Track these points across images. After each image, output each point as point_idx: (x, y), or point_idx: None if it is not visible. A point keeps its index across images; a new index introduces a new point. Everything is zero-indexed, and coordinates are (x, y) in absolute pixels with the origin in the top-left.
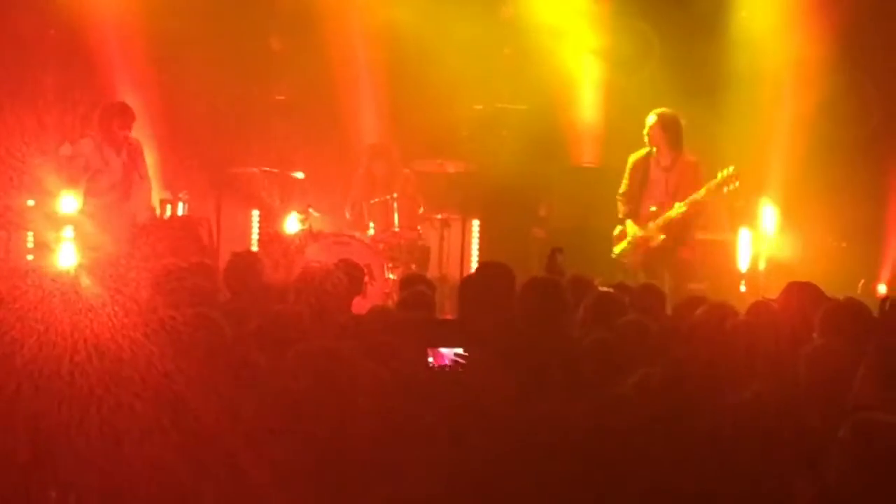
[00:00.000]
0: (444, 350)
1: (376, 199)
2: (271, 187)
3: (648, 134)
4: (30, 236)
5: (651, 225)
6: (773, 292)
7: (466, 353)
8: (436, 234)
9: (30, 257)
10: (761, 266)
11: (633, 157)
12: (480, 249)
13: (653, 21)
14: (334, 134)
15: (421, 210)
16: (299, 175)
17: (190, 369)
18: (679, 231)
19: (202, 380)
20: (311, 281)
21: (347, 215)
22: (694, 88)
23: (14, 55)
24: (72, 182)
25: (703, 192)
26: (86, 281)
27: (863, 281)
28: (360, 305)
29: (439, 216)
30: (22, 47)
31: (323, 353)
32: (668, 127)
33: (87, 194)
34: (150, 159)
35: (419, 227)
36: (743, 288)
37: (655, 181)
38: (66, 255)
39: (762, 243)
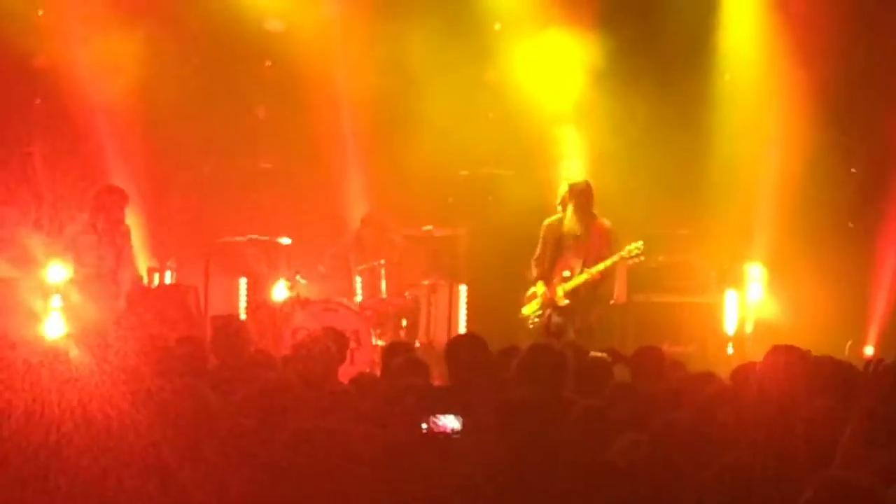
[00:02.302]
0: (439, 417)
1: (364, 266)
2: (258, 255)
3: (560, 203)
4: (18, 305)
5: (559, 289)
6: (760, 355)
7: (460, 423)
8: (423, 299)
9: (18, 327)
10: (748, 328)
11: (546, 222)
12: (468, 315)
13: (637, 85)
14: (321, 201)
15: (415, 275)
16: (286, 241)
17: (177, 439)
18: (583, 297)
19: (190, 450)
20: (299, 349)
21: (321, 269)
22: (678, 150)
23: (1, 124)
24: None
25: (609, 262)
26: (74, 351)
27: (850, 342)
28: (347, 372)
29: (426, 282)
30: (8, 116)
31: (314, 429)
32: (579, 195)
33: (77, 264)
34: (137, 228)
35: (407, 294)
36: (730, 350)
37: (567, 247)
38: (55, 325)
39: (749, 306)
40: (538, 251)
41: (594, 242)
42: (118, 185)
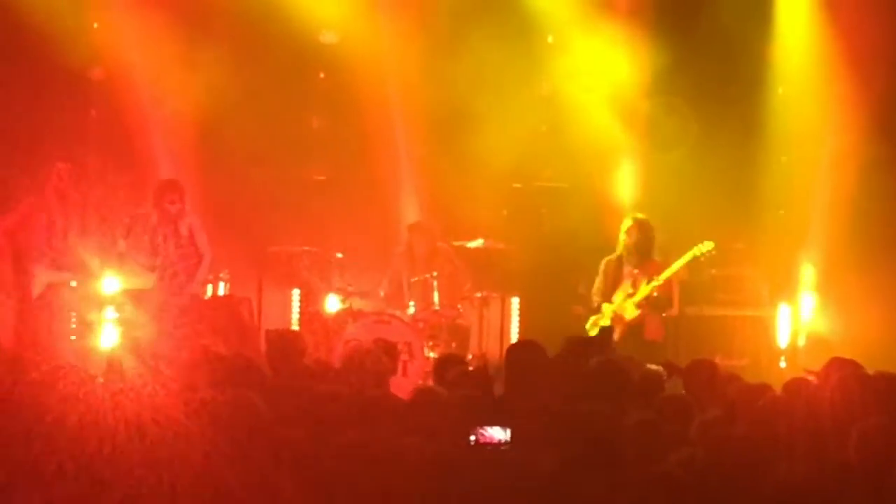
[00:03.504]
0: (488, 429)
1: (417, 278)
2: (311, 266)
3: (626, 234)
4: (73, 317)
5: (628, 301)
6: (814, 368)
7: (508, 434)
8: (475, 312)
9: (72, 338)
10: (801, 342)
11: (606, 259)
12: (520, 327)
13: (690, 98)
14: (373, 213)
15: (468, 287)
16: (338, 255)
17: (230, 450)
18: (651, 309)
19: (242, 460)
20: (350, 360)
21: (381, 293)
22: (732, 163)
23: (56, 136)
24: (138, 263)
25: (678, 265)
26: (127, 362)
27: None
28: (399, 384)
29: (479, 294)
30: (63, 128)
31: (363, 440)
32: (642, 232)
33: (148, 271)
34: None
35: (459, 306)
36: (783, 364)
37: (627, 277)
38: (109, 336)
39: (802, 319)
40: (598, 285)
41: (652, 275)
42: (174, 179)
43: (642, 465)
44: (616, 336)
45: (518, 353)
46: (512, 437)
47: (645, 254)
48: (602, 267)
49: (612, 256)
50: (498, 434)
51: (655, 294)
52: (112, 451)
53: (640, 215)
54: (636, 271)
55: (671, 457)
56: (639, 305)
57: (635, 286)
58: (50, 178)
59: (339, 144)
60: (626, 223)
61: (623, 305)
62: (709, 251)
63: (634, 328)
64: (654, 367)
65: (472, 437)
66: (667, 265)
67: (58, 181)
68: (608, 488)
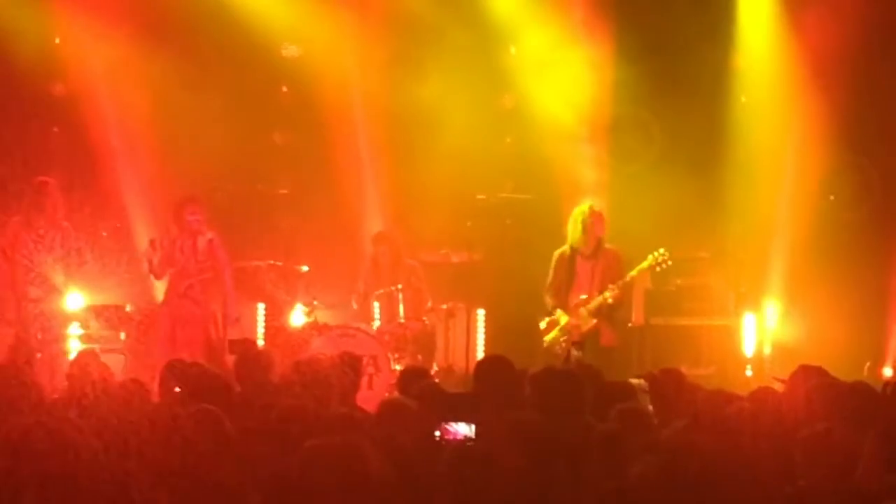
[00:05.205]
0: (453, 424)
1: (381, 291)
2: (277, 280)
3: (581, 222)
4: (38, 335)
5: (582, 310)
6: (781, 375)
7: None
8: (441, 324)
9: (38, 355)
10: (767, 351)
11: (557, 252)
12: (486, 339)
13: (654, 107)
14: (338, 227)
15: (429, 304)
16: (304, 268)
17: (196, 465)
18: (607, 316)
19: (208, 476)
20: (316, 374)
21: (354, 306)
22: (696, 173)
23: (19, 154)
24: (157, 276)
25: (633, 273)
26: (92, 377)
27: (868, 363)
28: (366, 397)
29: (444, 306)
30: (26, 145)
31: (330, 448)
32: (594, 221)
33: (169, 284)
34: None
35: (425, 318)
36: (749, 372)
37: (581, 272)
38: (73, 351)
39: (767, 327)
40: (550, 280)
41: (606, 265)
42: (191, 194)
43: (605, 477)
44: (564, 351)
45: (487, 368)
46: (477, 434)
47: (596, 241)
48: (555, 260)
49: (564, 248)
50: (462, 429)
51: (610, 302)
52: (76, 468)
53: (590, 202)
54: (591, 264)
55: (634, 467)
56: (593, 314)
57: (591, 286)
58: (30, 194)
59: (302, 158)
60: (582, 208)
61: (579, 314)
62: (665, 259)
63: (589, 335)
64: (635, 380)
65: (437, 433)
66: (619, 254)
67: (37, 196)
68: (573, 491)
